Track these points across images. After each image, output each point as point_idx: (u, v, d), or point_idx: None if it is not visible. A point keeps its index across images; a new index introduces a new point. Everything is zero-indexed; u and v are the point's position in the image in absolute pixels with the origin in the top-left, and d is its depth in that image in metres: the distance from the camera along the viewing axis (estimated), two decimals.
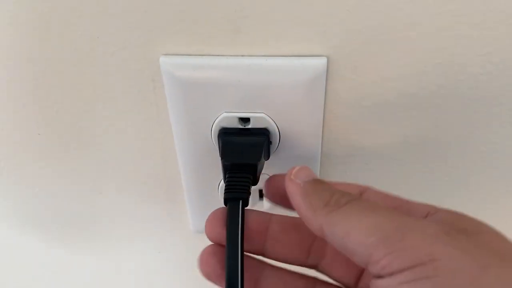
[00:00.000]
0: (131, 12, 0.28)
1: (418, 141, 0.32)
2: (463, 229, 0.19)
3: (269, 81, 0.29)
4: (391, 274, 0.18)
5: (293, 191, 0.23)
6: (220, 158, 0.29)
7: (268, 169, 0.33)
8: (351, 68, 0.29)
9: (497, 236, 0.20)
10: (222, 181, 0.35)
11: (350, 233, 0.20)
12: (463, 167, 0.33)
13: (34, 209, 0.41)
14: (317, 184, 0.23)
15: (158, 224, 0.41)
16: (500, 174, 0.33)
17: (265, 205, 0.36)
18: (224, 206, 0.26)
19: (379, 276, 0.19)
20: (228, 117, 0.31)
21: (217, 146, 0.32)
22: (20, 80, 0.32)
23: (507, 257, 0.18)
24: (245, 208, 0.26)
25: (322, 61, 0.28)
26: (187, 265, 0.44)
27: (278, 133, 0.31)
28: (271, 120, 0.30)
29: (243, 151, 0.28)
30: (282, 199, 0.26)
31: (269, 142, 0.30)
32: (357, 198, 0.22)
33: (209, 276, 0.26)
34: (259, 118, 0.30)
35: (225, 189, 0.27)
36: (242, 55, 0.29)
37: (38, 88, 0.32)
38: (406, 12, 0.26)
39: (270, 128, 0.31)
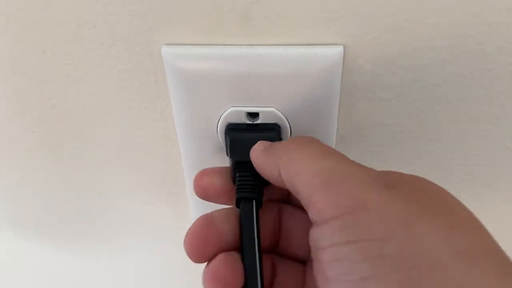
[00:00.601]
0: None
1: (440, 139, 0.30)
2: (406, 182, 0.19)
3: (280, 72, 0.27)
4: (326, 221, 0.18)
5: (255, 155, 0.24)
6: (227, 156, 0.27)
7: None
8: (370, 58, 0.26)
9: (440, 192, 0.19)
10: None
11: (300, 173, 0.20)
12: (486, 164, 0.31)
13: (30, 211, 0.39)
14: (276, 143, 0.24)
15: (161, 223, 0.39)
16: None
17: None
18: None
19: (316, 224, 0.19)
20: (236, 112, 0.28)
21: (224, 143, 0.30)
22: (12, 74, 0.30)
23: (442, 207, 0.18)
24: None
25: (338, 50, 0.26)
26: (190, 266, 0.43)
27: (289, 128, 0.29)
28: (281, 115, 0.28)
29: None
30: (213, 194, 0.26)
31: (280, 139, 0.28)
32: (314, 141, 0.23)
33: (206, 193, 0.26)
34: (268, 113, 0.28)
35: (236, 189, 0.25)
36: (251, 45, 0.27)
37: (32, 83, 0.30)
38: None
39: (281, 123, 0.29)
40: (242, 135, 0.27)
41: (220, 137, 0.30)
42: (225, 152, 0.28)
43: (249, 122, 0.29)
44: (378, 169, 0.31)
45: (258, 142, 0.25)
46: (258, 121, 0.29)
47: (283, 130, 0.29)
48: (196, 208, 0.36)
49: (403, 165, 0.31)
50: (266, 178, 0.23)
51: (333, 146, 0.30)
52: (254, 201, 0.24)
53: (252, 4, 0.25)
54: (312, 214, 0.19)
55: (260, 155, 0.24)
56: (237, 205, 0.25)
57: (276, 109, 0.28)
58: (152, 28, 0.27)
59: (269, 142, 0.25)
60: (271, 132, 0.28)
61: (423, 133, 0.30)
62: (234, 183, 0.26)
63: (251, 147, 0.25)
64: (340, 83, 0.27)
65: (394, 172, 0.21)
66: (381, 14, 0.25)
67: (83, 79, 0.30)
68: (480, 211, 0.33)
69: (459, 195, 0.32)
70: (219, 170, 0.27)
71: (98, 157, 0.34)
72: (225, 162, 0.31)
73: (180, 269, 0.43)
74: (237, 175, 0.26)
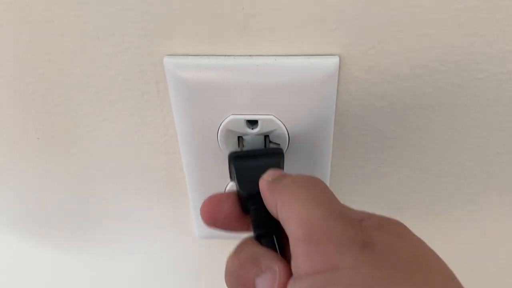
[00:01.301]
0: (133, 10, 0.26)
1: (434, 145, 0.30)
2: (384, 240, 0.19)
3: (278, 81, 0.28)
4: (299, 276, 0.18)
5: (262, 187, 0.24)
6: (232, 180, 0.27)
7: None
8: (365, 68, 0.27)
9: (417, 249, 0.19)
10: (228, 185, 0.33)
11: (289, 219, 0.20)
12: (479, 169, 0.32)
13: (34, 214, 0.40)
14: (282, 175, 0.24)
15: (162, 229, 0.40)
16: None
17: None
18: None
19: (293, 277, 0.19)
20: (235, 120, 0.29)
21: (223, 149, 0.31)
22: (18, 84, 0.31)
23: (416, 272, 0.18)
24: None
25: (334, 60, 0.27)
26: (191, 270, 0.43)
27: (287, 136, 0.30)
28: (280, 122, 0.29)
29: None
30: (222, 221, 0.25)
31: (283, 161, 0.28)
32: (313, 183, 0.22)
33: (215, 222, 0.26)
34: (267, 120, 0.29)
35: (253, 225, 0.24)
36: (250, 55, 0.28)
37: (37, 92, 0.31)
38: (425, 8, 0.25)
39: (279, 131, 0.29)
40: (248, 164, 0.26)
41: (220, 144, 0.31)
42: (224, 154, 0.28)
43: (248, 129, 0.30)
44: (374, 174, 0.32)
45: (268, 172, 0.24)
46: (257, 129, 0.30)
47: (281, 137, 0.30)
48: (196, 213, 0.36)
49: (398, 170, 0.32)
50: (271, 212, 0.23)
51: (330, 152, 0.31)
52: (274, 236, 0.23)
53: (251, 16, 0.26)
54: (292, 266, 0.20)
55: (266, 188, 0.23)
56: (257, 240, 0.24)
57: (275, 116, 0.29)
58: (155, 39, 0.28)
59: (278, 172, 0.24)
60: (276, 157, 0.27)
61: (417, 139, 0.30)
62: (243, 209, 0.25)
63: (258, 177, 0.24)
64: (336, 91, 0.28)
65: (376, 225, 0.20)
66: (375, 26, 0.26)
67: (87, 88, 0.30)
68: (474, 212, 0.34)
69: (453, 199, 0.33)
70: (226, 196, 0.26)
71: (101, 163, 0.35)
72: (224, 168, 0.32)
73: (180, 271, 0.44)
74: (251, 208, 0.25)
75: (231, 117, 0.29)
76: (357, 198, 0.34)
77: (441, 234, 0.36)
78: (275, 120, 0.29)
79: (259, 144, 0.30)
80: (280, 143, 0.30)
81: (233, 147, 0.31)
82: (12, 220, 0.41)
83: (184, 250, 0.41)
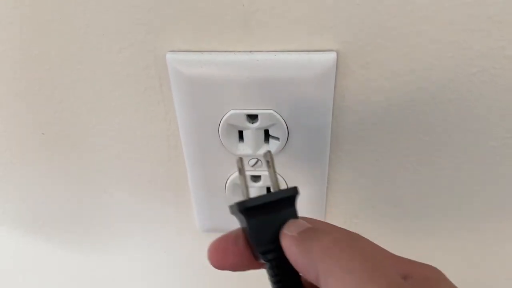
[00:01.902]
0: (137, 7, 0.27)
1: (429, 138, 0.31)
2: None
3: (277, 77, 0.28)
4: None
5: (288, 244, 0.21)
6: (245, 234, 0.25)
7: (276, 166, 0.33)
8: (362, 63, 0.28)
9: None
10: (229, 180, 0.34)
11: None
12: (473, 160, 0.32)
13: (38, 210, 0.41)
14: (312, 231, 0.21)
15: (164, 223, 0.40)
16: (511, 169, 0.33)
17: None
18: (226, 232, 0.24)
19: None
20: (236, 114, 0.30)
21: (224, 144, 0.32)
22: (23, 79, 0.32)
23: None
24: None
25: (331, 56, 0.28)
26: (193, 264, 0.44)
27: (286, 130, 0.31)
28: (279, 117, 0.30)
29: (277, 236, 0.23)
30: (230, 266, 0.23)
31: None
32: (354, 243, 0.20)
33: (223, 265, 0.23)
34: (267, 115, 0.30)
35: (273, 280, 0.23)
36: (250, 51, 0.28)
37: (42, 88, 0.32)
38: (419, 5, 0.25)
39: (279, 125, 0.30)
40: (262, 220, 0.23)
41: (221, 138, 0.31)
42: (225, 149, 0.29)
43: (249, 124, 0.30)
44: (371, 168, 0.33)
45: (290, 224, 0.22)
46: (257, 123, 0.30)
47: (280, 131, 0.31)
48: (198, 207, 0.37)
49: (395, 163, 0.33)
50: (300, 273, 0.21)
51: (328, 146, 0.32)
52: None
53: (252, 13, 0.27)
54: None
55: (294, 247, 0.21)
56: None
57: (274, 111, 0.30)
58: (158, 35, 0.28)
59: (302, 224, 0.22)
60: (290, 207, 0.23)
61: (414, 133, 0.31)
62: (255, 258, 0.23)
63: (275, 230, 0.22)
64: (334, 86, 0.29)
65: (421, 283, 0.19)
66: (371, 22, 0.26)
67: (91, 84, 0.31)
68: (472, 205, 0.35)
69: (449, 189, 0.34)
70: (234, 238, 0.23)
71: (104, 157, 0.35)
72: (225, 162, 0.33)
73: (182, 266, 0.45)
74: (268, 258, 0.22)
75: (232, 111, 0.30)
76: (355, 191, 0.35)
77: (439, 228, 0.37)
78: (274, 114, 0.30)
79: (259, 138, 0.31)
80: (279, 137, 0.31)
81: (234, 141, 0.32)
82: (15, 216, 0.42)
83: (187, 243, 0.42)
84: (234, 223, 0.38)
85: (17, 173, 0.37)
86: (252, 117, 0.31)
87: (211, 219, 0.38)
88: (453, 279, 0.19)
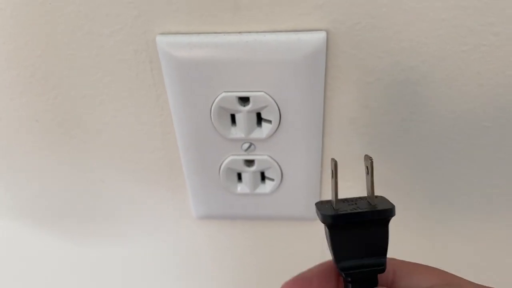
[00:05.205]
0: None
1: (423, 118, 0.31)
2: None
3: (268, 57, 0.28)
4: None
5: None
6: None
7: (269, 150, 0.33)
8: (353, 43, 0.28)
9: None
10: (223, 165, 0.34)
11: None
12: (464, 140, 0.32)
13: (34, 200, 0.41)
14: None
15: (160, 209, 0.40)
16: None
17: (267, 188, 0.35)
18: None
19: None
20: (227, 97, 0.30)
21: (217, 127, 0.32)
22: (16, 67, 0.32)
23: None
24: None
25: (321, 35, 0.28)
26: (189, 251, 0.44)
27: (278, 112, 0.31)
28: (271, 99, 0.30)
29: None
30: None
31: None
32: None
33: None
34: (258, 97, 0.30)
35: None
36: (240, 32, 0.28)
37: (34, 74, 0.32)
38: None
39: (270, 107, 0.30)
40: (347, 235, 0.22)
41: (213, 121, 0.31)
42: (218, 133, 0.28)
43: (240, 107, 0.30)
44: (364, 150, 0.33)
45: None
46: (249, 106, 0.30)
47: (272, 113, 0.31)
48: (193, 193, 0.37)
49: (388, 145, 0.33)
50: None
51: (321, 128, 0.32)
52: None
53: None
54: None
55: None
56: None
57: (266, 93, 0.30)
58: (148, 18, 0.28)
59: None
60: (383, 227, 0.21)
61: (407, 114, 0.31)
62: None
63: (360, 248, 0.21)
64: (325, 67, 0.29)
65: None
66: (361, 1, 0.26)
67: (83, 70, 0.31)
68: (465, 189, 0.35)
69: (443, 175, 0.34)
70: (308, 280, 0.23)
71: (99, 144, 0.35)
72: (219, 146, 0.33)
73: (180, 255, 0.45)
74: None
75: (223, 94, 0.30)
76: (348, 175, 0.35)
77: (433, 211, 0.37)
78: (266, 96, 0.30)
79: (251, 121, 0.31)
80: (271, 120, 0.31)
81: (227, 125, 0.32)
82: (11, 207, 0.42)
83: (183, 230, 0.42)
84: (229, 211, 0.38)
85: (10, 163, 0.38)
86: (244, 100, 0.31)
87: (206, 205, 0.38)
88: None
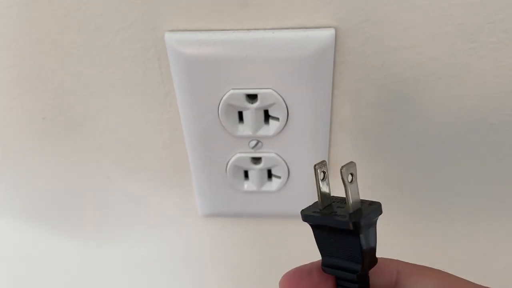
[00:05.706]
0: None
1: (431, 114, 0.31)
2: None
3: (276, 55, 0.28)
4: None
5: None
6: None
7: (276, 147, 0.33)
8: (361, 40, 0.28)
9: None
10: (230, 162, 0.34)
11: None
12: (470, 139, 0.32)
13: (39, 196, 0.41)
14: None
15: (165, 207, 0.40)
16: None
17: (274, 186, 0.35)
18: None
19: None
20: (235, 94, 0.30)
21: (224, 125, 0.32)
22: (23, 64, 0.32)
23: None
24: None
25: (330, 32, 0.28)
26: (194, 249, 0.44)
27: (286, 109, 0.31)
28: (278, 96, 0.30)
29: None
30: None
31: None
32: None
33: None
34: (266, 94, 0.30)
35: None
36: (249, 29, 0.28)
37: (42, 71, 0.32)
38: None
39: (278, 104, 0.30)
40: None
41: (221, 119, 0.31)
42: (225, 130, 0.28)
43: (249, 103, 0.30)
44: (371, 148, 0.33)
45: None
46: (257, 103, 0.30)
47: (280, 110, 0.31)
48: (199, 191, 0.37)
49: (396, 143, 0.33)
50: None
51: (328, 125, 0.32)
52: None
53: None
54: None
55: None
56: None
57: (274, 90, 0.30)
58: (156, 15, 0.28)
59: None
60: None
61: (416, 111, 0.31)
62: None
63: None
64: (333, 64, 0.29)
65: None
66: None
67: (91, 66, 0.31)
68: (468, 185, 0.35)
69: (449, 172, 0.34)
70: (308, 271, 0.23)
71: (105, 141, 0.35)
72: (226, 143, 0.33)
73: (184, 251, 0.45)
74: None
75: (231, 91, 0.30)
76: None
77: (435, 210, 0.37)
78: (274, 93, 0.30)
79: (259, 118, 0.31)
80: (279, 117, 0.31)
81: (234, 122, 0.32)
82: (16, 206, 0.42)
83: (188, 228, 0.42)
84: (235, 209, 0.38)
85: (16, 160, 0.38)
86: (252, 97, 0.31)
87: (212, 203, 0.38)
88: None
